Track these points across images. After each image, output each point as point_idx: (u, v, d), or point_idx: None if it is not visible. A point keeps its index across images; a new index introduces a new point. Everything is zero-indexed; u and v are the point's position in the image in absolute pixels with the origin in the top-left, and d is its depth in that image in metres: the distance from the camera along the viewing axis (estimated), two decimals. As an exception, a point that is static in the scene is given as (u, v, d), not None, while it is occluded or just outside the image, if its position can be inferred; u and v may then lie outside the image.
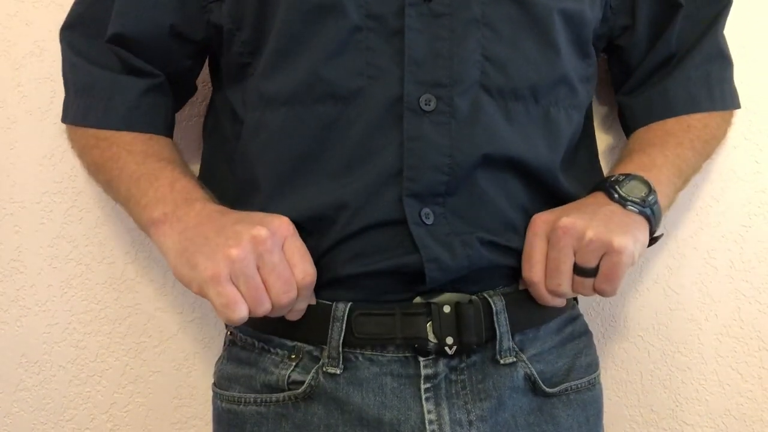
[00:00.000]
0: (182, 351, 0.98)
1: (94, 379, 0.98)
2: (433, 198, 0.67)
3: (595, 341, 0.82)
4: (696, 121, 0.81)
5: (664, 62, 0.81)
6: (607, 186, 0.71)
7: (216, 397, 0.76)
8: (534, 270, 0.69)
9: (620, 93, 0.85)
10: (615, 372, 0.99)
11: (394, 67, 0.67)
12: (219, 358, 0.79)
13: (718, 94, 0.82)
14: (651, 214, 0.70)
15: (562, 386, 0.74)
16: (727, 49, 0.83)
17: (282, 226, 0.64)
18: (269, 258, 0.63)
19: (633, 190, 0.70)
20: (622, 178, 0.71)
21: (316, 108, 0.68)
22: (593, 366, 0.78)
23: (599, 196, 0.72)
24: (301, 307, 0.68)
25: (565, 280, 0.68)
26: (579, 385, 0.75)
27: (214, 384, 0.77)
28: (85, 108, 0.78)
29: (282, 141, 0.69)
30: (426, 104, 0.67)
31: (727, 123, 0.86)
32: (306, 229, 0.69)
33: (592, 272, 0.67)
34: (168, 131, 0.80)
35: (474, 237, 0.68)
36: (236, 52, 0.73)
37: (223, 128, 0.79)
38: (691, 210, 0.95)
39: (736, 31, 0.92)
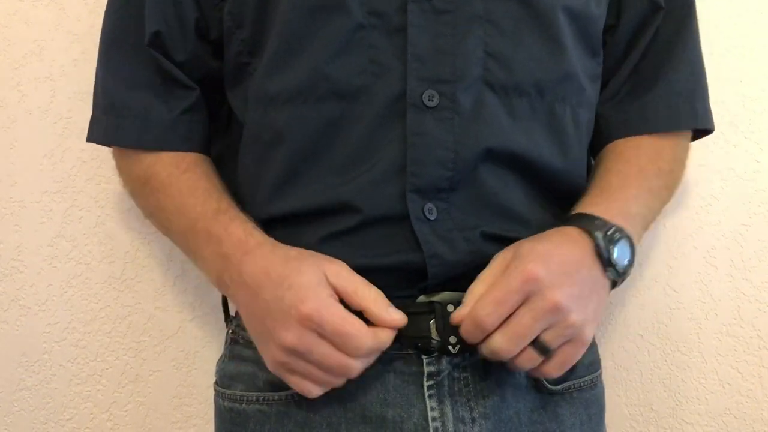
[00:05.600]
0: (182, 350, 0.98)
1: (94, 378, 0.98)
2: (436, 193, 0.67)
3: (596, 340, 0.82)
4: (668, 148, 0.78)
5: (636, 68, 0.79)
6: (600, 240, 0.65)
7: (218, 395, 0.76)
8: (491, 316, 0.62)
9: (599, 103, 0.80)
10: (615, 371, 0.99)
11: (397, 64, 0.67)
12: (221, 357, 0.79)
13: (701, 110, 0.79)
14: (619, 283, 0.68)
15: (565, 384, 0.73)
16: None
17: (327, 315, 0.62)
18: (318, 351, 0.63)
19: (622, 256, 0.66)
20: (617, 236, 0.66)
21: (319, 106, 0.68)
22: (595, 365, 0.78)
23: (586, 250, 0.65)
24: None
25: (520, 349, 0.63)
26: (581, 384, 0.75)
27: (216, 383, 0.77)
28: (115, 127, 0.76)
29: (286, 139, 0.69)
30: (429, 100, 0.66)
31: (688, 150, 0.82)
32: (308, 220, 0.69)
33: (550, 353, 0.64)
34: (204, 148, 0.79)
35: (477, 232, 0.68)
36: (235, 52, 0.73)
37: (231, 125, 0.79)
38: (691, 209, 0.95)
39: (736, 30, 0.92)
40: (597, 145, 0.81)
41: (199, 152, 0.78)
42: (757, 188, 0.94)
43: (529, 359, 0.64)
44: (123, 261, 0.96)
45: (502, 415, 0.69)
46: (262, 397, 0.72)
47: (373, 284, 0.68)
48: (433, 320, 0.67)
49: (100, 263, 0.96)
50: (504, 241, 0.69)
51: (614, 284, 0.68)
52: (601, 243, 0.65)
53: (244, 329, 0.75)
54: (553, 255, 0.64)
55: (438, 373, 0.69)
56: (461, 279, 0.68)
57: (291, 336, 0.62)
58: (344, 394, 0.68)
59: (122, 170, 0.81)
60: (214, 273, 0.70)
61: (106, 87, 0.77)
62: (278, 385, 0.70)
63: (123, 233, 0.96)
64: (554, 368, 0.66)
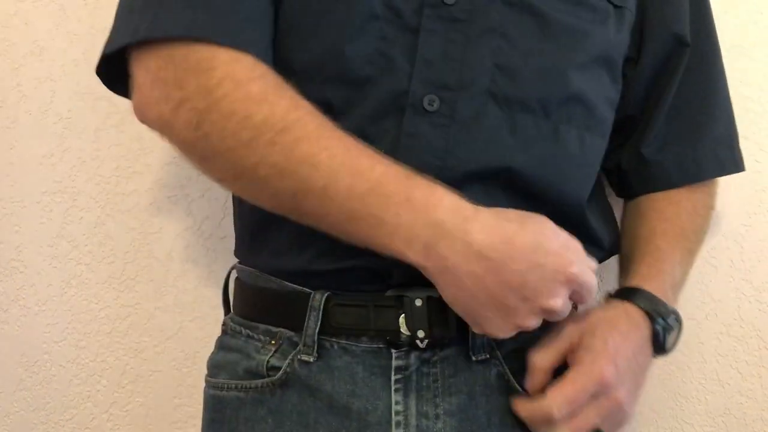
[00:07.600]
0: (182, 350, 0.98)
1: (94, 378, 0.98)
2: None
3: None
4: (701, 200, 0.82)
5: (674, 111, 0.79)
6: (659, 329, 0.71)
7: (206, 385, 0.77)
8: (562, 414, 0.65)
9: (644, 146, 0.81)
10: (615, 371, 0.99)
11: (405, 63, 0.66)
12: (213, 350, 0.80)
13: (737, 154, 0.83)
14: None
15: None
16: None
17: (588, 273, 0.65)
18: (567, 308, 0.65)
19: (672, 342, 0.72)
20: (674, 325, 0.72)
21: (322, 88, 0.67)
22: None
23: (646, 337, 0.71)
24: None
25: None
26: None
27: (207, 374, 0.78)
28: (191, 18, 0.63)
29: None
30: (429, 104, 0.66)
31: (717, 193, 0.86)
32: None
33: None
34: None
35: None
36: None
37: None
38: (691, 209, 0.95)
39: (736, 29, 0.92)
40: (637, 187, 0.83)
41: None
42: (757, 188, 0.94)
43: None
44: (123, 261, 0.96)
45: (469, 414, 0.69)
46: (240, 385, 0.72)
47: (341, 281, 0.69)
48: (403, 314, 0.68)
49: (100, 263, 0.96)
50: None
51: None
52: (660, 332, 0.71)
53: (232, 320, 0.77)
54: (621, 351, 0.68)
55: (406, 367, 0.69)
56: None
57: (560, 300, 0.63)
58: (315, 384, 0.69)
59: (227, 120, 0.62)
60: (419, 242, 0.61)
61: None
62: (255, 373, 0.72)
63: (123, 233, 0.96)
64: None
